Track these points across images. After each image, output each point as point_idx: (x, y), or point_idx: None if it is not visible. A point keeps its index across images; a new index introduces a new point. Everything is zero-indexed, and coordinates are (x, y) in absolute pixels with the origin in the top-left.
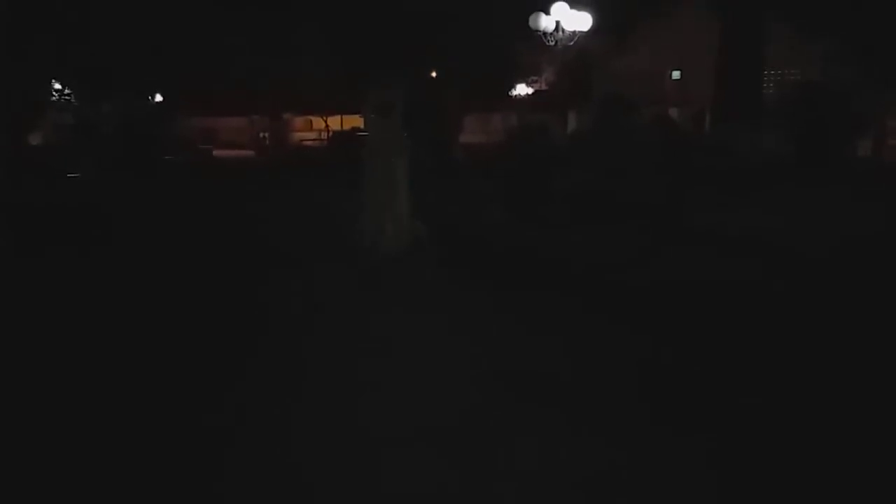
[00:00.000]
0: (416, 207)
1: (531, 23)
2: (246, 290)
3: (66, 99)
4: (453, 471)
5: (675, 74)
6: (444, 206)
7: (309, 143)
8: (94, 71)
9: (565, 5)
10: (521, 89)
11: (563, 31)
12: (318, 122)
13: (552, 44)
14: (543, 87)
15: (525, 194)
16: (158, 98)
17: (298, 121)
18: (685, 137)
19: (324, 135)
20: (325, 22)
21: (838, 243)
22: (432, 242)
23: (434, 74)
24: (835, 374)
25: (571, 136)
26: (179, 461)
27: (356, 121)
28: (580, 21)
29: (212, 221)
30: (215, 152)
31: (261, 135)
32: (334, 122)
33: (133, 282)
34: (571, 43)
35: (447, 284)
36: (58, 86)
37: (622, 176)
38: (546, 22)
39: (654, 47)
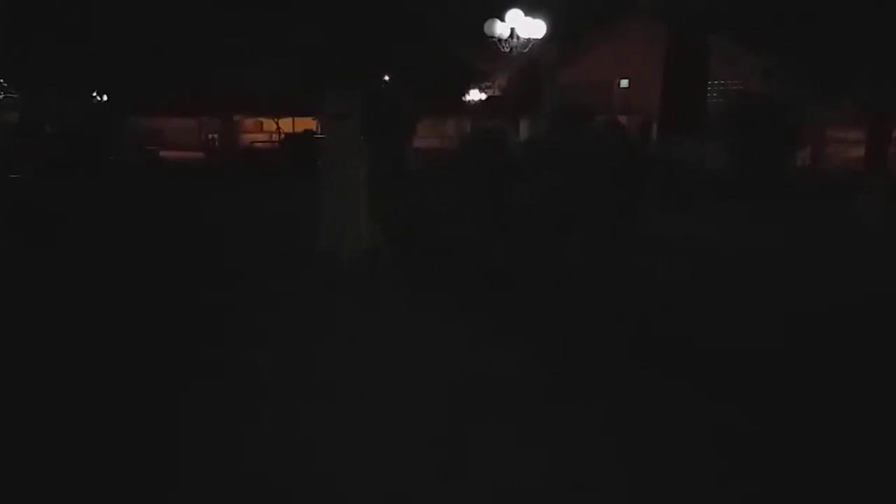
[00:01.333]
0: (374, 214)
1: (486, 29)
2: (196, 297)
3: (11, 97)
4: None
5: (623, 83)
6: (400, 212)
7: (259, 144)
8: (38, 69)
9: (520, 13)
10: (475, 95)
11: (517, 37)
12: (268, 125)
13: (507, 50)
14: (497, 93)
15: (482, 201)
16: (104, 98)
17: (248, 122)
18: (637, 147)
19: (275, 137)
20: (280, 30)
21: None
22: (391, 249)
23: (387, 80)
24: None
25: (527, 143)
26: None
27: (308, 123)
28: (534, 28)
29: (160, 224)
30: (162, 153)
31: (209, 136)
32: (286, 125)
33: (75, 285)
34: (526, 50)
35: (406, 291)
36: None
37: (576, 184)
38: (501, 28)
39: (602, 57)
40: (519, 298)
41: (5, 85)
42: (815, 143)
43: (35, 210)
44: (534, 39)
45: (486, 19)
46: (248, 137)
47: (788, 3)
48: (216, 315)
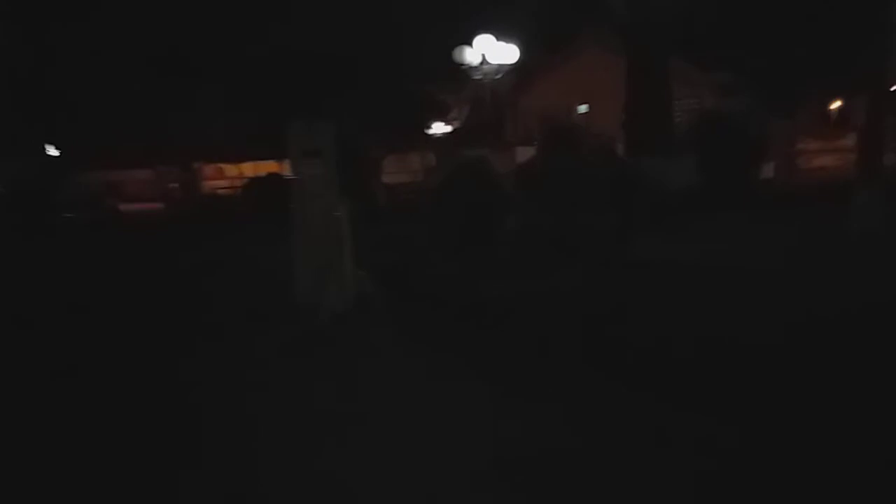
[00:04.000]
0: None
1: (456, 56)
2: (168, 362)
3: None
4: None
5: (582, 108)
6: (378, 253)
7: (222, 191)
8: None
9: (491, 38)
10: (438, 127)
11: (488, 63)
12: (229, 170)
13: (478, 77)
14: (458, 124)
15: (468, 238)
16: (53, 152)
17: (209, 169)
18: (627, 169)
19: (235, 182)
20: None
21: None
22: (378, 296)
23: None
24: None
25: (511, 173)
26: None
27: (271, 166)
28: (506, 54)
29: (123, 283)
30: (121, 207)
31: (170, 185)
32: (247, 169)
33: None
34: (498, 76)
35: (401, 346)
36: None
37: (569, 212)
38: (471, 55)
39: (559, 82)
40: (535, 345)
41: None
42: (781, 154)
43: None
44: (504, 66)
45: (444, 50)
46: (209, 185)
47: (742, 20)
48: (187, 394)
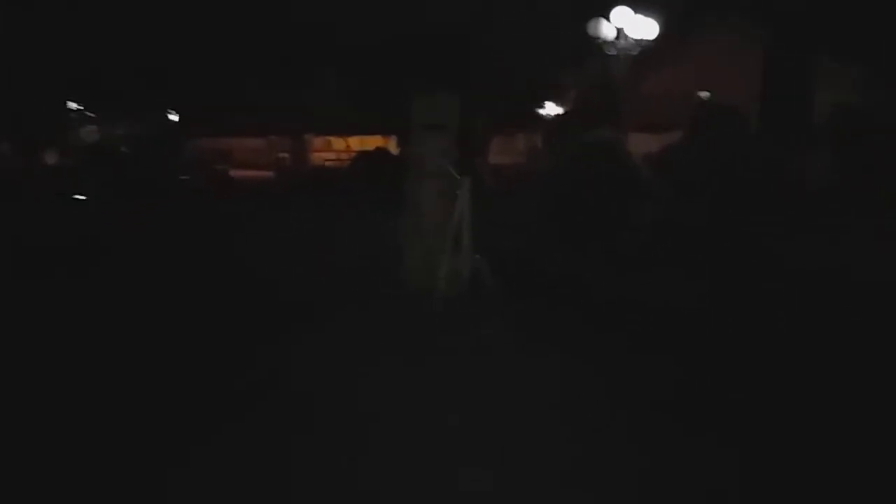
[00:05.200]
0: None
1: (591, 30)
2: (268, 350)
3: (87, 117)
4: None
5: (704, 95)
6: (489, 236)
7: (329, 163)
8: (110, 88)
9: (629, 10)
10: (549, 108)
11: (625, 38)
12: (337, 142)
13: (613, 53)
14: (570, 106)
15: (598, 228)
16: (173, 117)
17: (317, 141)
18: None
19: (343, 155)
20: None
21: None
22: (496, 284)
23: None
24: None
25: (650, 158)
26: None
27: (377, 141)
28: (645, 28)
29: (231, 255)
30: (232, 173)
31: (280, 155)
32: (354, 143)
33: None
34: (635, 53)
35: (526, 338)
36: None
37: (722, 207)
38: (607, 29)
39: (682, 68)
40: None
41: (81, 106)
42: None
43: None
44: (644, 41)
45: (588, 20)
46: (317, 156)
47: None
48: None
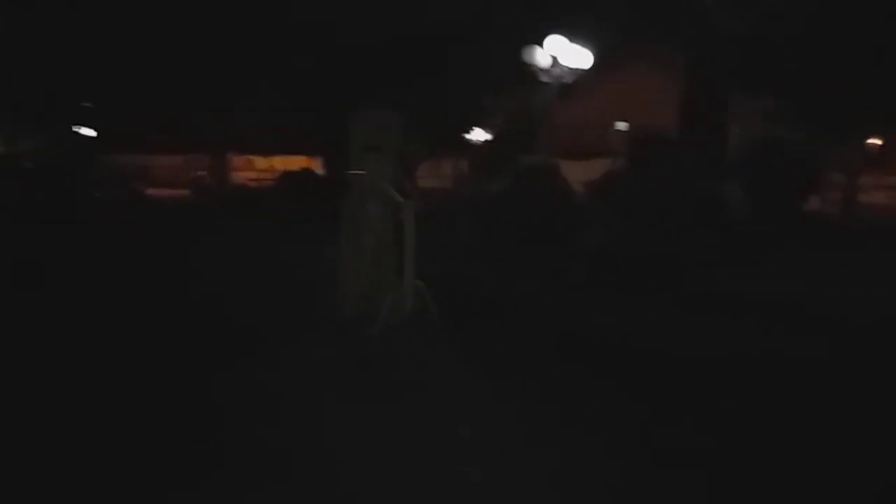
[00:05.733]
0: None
1: (525, 57)
2: (198, 384)
3: None
4: None
5: (621, 125)
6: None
7: (252, 182)
8: (14, 100)
9: (563, 39)
10: (477, 134)
11: (559, 66)
12: (259, 162)
13: (547, 81)
14: (501, 130)
15: (536, 252)
16: (87, 132)
17: (238, 160)
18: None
19: (264, 175)
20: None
21: None
22: (438, 311)
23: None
24: None
25: (589, 184)
26: None
27: (301, 161)
28: (579, 57)
29: (151, 277)
30: (147, 190)
31: (197, 173)
32: (277, 162)
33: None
34: (569, 81)
35: (470, 365)
36: None
37: (654, 233)
38: (541, 57)
39: (600, 98)
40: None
41: None
42: (839, 185)
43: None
44: (577, 69)
45: (526, 49)
46: (238, 175)
47: (789, 46)
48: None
